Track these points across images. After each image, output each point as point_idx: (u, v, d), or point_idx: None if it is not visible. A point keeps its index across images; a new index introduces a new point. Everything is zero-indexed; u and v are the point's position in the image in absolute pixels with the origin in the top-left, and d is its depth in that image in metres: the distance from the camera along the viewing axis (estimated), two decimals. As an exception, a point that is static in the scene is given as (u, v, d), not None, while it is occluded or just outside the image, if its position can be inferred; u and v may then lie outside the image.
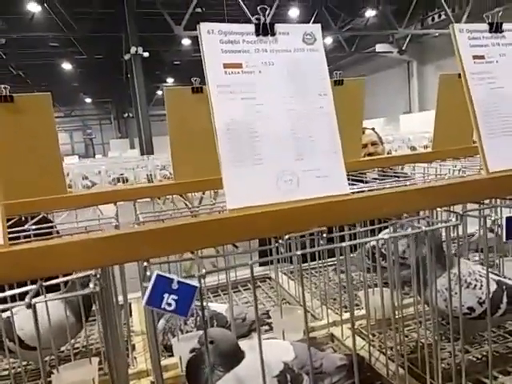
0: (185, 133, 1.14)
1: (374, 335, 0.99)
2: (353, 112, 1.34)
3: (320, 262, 1.27)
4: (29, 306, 0.46)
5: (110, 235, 0.47)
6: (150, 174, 8.12)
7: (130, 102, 18.37)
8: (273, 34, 0.62)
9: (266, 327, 1.05)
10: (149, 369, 0.90)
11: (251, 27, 0.61)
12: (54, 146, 1.03)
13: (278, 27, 0.62)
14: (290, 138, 0.60)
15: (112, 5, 13.82)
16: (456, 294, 0.87)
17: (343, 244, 0.61)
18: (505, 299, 0.87)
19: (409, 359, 0.86)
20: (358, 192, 0.67)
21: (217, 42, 0.59)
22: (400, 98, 19.41)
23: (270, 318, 1.02)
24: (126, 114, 28.37)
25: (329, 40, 18.44)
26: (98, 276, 0.51)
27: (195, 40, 16.42)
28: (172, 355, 0.92)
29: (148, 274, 0.44)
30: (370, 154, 2.10)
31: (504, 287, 0.88)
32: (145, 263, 0.47)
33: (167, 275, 0.43)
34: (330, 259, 1.36)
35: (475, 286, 0.87)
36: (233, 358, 0.72)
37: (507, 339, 0.96)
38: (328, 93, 0.63)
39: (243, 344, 0.78)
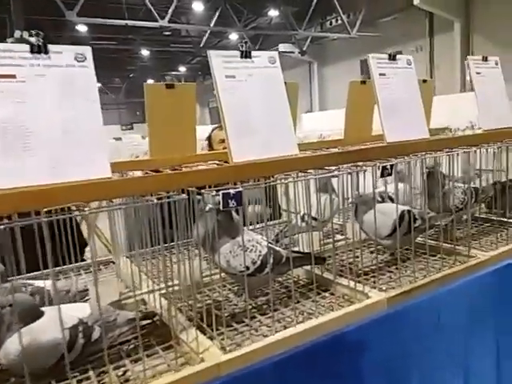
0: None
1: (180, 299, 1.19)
2: (185, 112, 1.54)
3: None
4: None
5: None
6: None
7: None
8: (46, 53, 0.78)
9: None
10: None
11: (27, 47, 0.76)
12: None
13: (52, 47, 0.78)
14: (58, 134, 0.77)
15: (-7, -18, 12.48)
16: (237, 256, 1.12)
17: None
18: (271, 260, 1.14)
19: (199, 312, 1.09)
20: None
21: (-8, 57, 0.73)
22: (302, 97, 20.49)
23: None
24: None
25: (234, 36, 18.75)
26: None
27: (92, 27, 15.54)
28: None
29: None
30: None
31: (272, 251, 1.15)
32: None
33: None
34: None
35: (251, 250, 1.13)
36: (29, 316, 0.87)
37: (278, 291, 1.25)
38: (96, 99, 0.81)
39: (48, 308, 0.93)
